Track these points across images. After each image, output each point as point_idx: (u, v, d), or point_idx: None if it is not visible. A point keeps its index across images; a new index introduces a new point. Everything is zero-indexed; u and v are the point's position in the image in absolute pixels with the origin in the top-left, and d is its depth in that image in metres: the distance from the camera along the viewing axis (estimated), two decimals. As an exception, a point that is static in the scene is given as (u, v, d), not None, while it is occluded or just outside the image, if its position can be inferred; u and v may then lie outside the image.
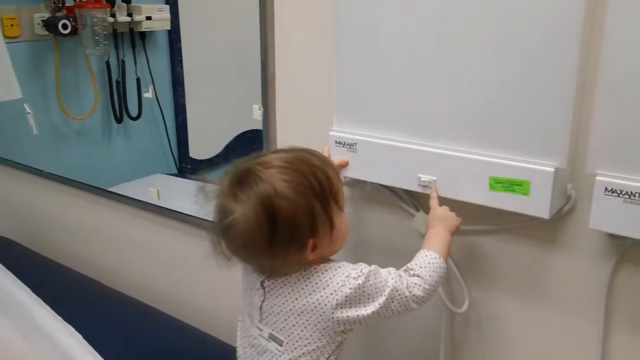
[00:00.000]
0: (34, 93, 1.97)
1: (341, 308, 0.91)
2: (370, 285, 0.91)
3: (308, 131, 1.23)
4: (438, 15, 0.95)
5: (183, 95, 2.00)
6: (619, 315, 0.97)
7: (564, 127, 0.89)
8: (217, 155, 1.88)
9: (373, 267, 0.94)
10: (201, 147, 2.04)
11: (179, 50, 1.99)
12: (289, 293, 0.94)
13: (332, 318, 0.92)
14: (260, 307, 0.97)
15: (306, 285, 0.93)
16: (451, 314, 1.14)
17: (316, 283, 0.92)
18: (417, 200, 1.12)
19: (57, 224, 2.01)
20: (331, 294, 0.91)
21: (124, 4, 1.91)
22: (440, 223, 1.00)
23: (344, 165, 1.11)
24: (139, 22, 1.93)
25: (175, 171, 2.10)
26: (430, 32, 0.96)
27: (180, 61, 1.99)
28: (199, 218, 1.53)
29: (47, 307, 1.51)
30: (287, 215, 0.88)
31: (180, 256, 1.64)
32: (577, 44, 0.85)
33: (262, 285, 0.97)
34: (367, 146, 1.07)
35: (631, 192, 0.83)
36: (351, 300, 0.91)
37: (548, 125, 0.90)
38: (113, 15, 1.90)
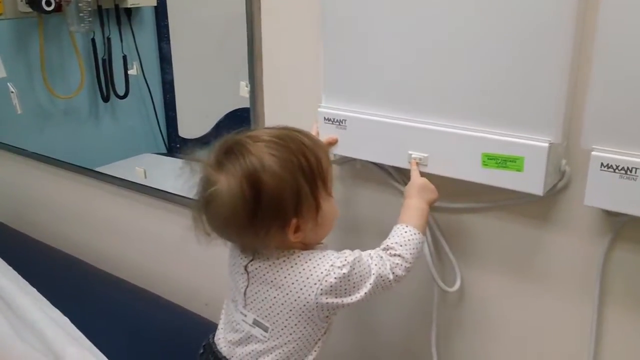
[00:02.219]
0: (18, 72, 1.93)
1: (326, 297, 0.89)
2: (356, 273, 0.89)
3: (296, 108, 1.20)
4: (429, -14, 0.92)
5: (171, 73, 1.96)
6: (614, 294, 0.95)
7: (558, 101, 0.86)
8: (207, 134, 1.85)
9: (357, 253, 0.92)
10: (190, 125, 2.01)
11: (166, 27, 1.95)
12: (273, 280, 0.92)
13: (317, 306, 0.90)
14: (244, 293, 0.95)
15: (290, 273, 0.91)
16: (443, 293, 1.12)
17: (300, 271, 0.90)
18: (407, 178, 1.09)
19: (43, 204, 1.99)
20: (315, 283, 0.89)
21: (109, -20, 1.86)
22: (418, 193, 0.98)
23: (334, 142, 1.08)
24: (125, -2, 1.89)
25: (164, 150, 2.07)
26: (422, 7, 0.93)
27: (168, 38, 1.95)
28: (187, 197, 1.50)
29: (33, 290, 1.50)
30: (272, 191, 0.86)
31: (169, 236, 1.61)
32: (572, 16, 0.82)
33: (245, 269, 0.95)
34: (357, 123, 1.04)
35: (627, 168, 0.81)
36: (336, 290, 0.89)
37: (542, 99, 0.87)
38: (98, -10, 1.85)
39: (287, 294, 0.90)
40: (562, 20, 0.82)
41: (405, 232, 0.94)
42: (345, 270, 0.88)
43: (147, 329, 1.42)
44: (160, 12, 1.96)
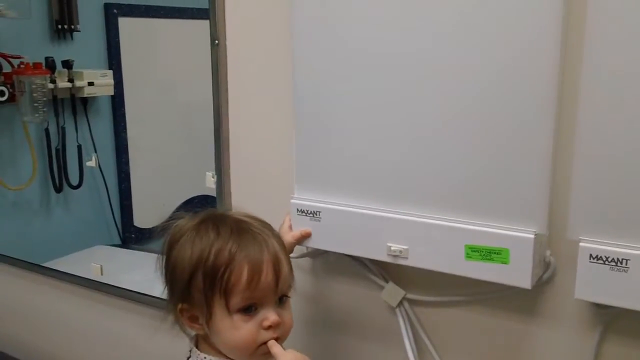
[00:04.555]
0: (-33, 162, 1.84)
1: None
2: None
3: (266, 199, 1.15)
4: (404, 76, 0.90)
5: (127, 162, 1.91)
6: (608, 390, 0.91)
7: (542, 190, 0.84)
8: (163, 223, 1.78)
9: None
10: (147, 215, 1.95)
11: (123, 115, 1.92)
12: None
13: None
14: None
15: None
16: (426, 393, 1.06)
17: None
18: (386, 271, 1.05)
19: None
20: None
21: (65, 70, 1.83)
22: None
23: (307, 236, 1.03)
24: (81, 88, 1.85)
25: (118, 241, 1.99)
26: (400, 97, 0.92)
27: (124, 127, 1.91)
28: (147, 295, 1.42)
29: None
30: (172, 261, 0.87)
31: (128, 338, 1.51)
32: (553, 105, 0.81)
33: None
34: (332, 214, 1.01)
35: (618, 259, 0.79)
36: None
37: (525, 188, 0.85)
38: (53, 81, 1.81)
39: None
40: (543, 111, 0.82)
41: None
42: None
43: None
44: (117, 101, 1.92)
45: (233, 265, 0.82)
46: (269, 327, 0.84)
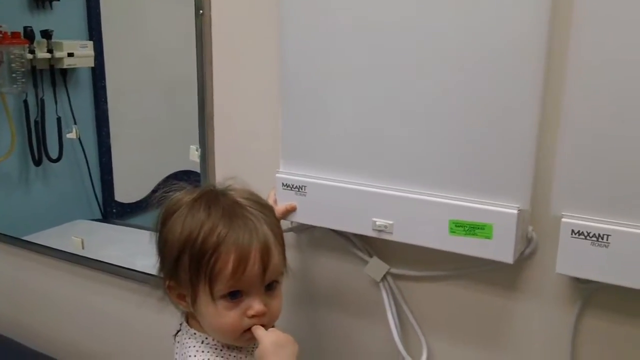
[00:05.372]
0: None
1: None
2: None
3: (251, 173, 1.14)
4: (392, 50, 0.90)
5: (108, 136, 1.89)
6: (586, 363, 0.93)
7: (526, 166, 0.85)
8: (145, 198, 1.77)
9: None
10: (128, 189, 1.93)
11: (104, 88, 1.89)
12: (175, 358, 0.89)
13: None
14: None
15: (180, 357, 0.88)
16: (408, 366, 1.08)
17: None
18: (370, 246, 1.06)
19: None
20: None
21: (44, 40, 1.79)
22: (274, 355, 0.81)
23: (292, 210, 1.03)
24: (60, 59, 1.82)
25: (99, 216, 1.97)
26: (384, 69, 0.91)
27: (105, 100, 1.88)
28: (128, 269, 1.42)
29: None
30: (164, 235, 0.87)
31: (109, 311, 1.50)
32: (539, 81, 0.82)
33: (174, 339, 0.91)
34: (318, 189, 1.01)
35: (599, 235, 0.80)
36: None
37: (510, 164, 0.86)
38: (32, 51, 1.77)
39: None
40: (528, 86, 0.82)
41: None
42: None
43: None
44: (98, 73, 1.89)
45: (220, 251, 0.81)
46: (254, 317, 0.83)
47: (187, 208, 0.85)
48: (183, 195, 0.88)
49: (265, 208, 0.88)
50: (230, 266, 0.80)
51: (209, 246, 0.81)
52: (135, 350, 1.48)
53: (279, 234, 0.87)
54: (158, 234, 0.88)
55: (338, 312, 1.14)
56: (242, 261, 0.81)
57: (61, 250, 1.56)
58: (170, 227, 0.85)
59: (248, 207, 0.86)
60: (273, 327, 0.86)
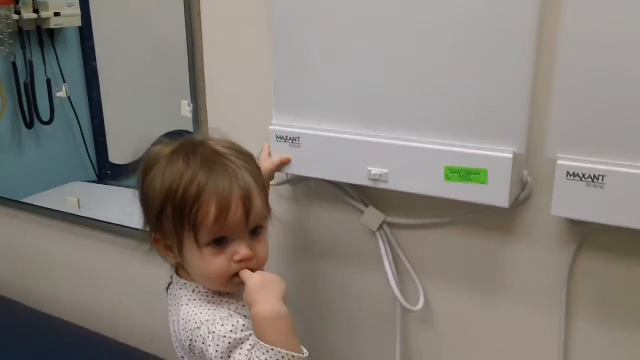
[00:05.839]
0: None
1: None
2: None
3: (244, 126, 1.14)
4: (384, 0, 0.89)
5: (99, 96, 1.87)
6: (581, 303, 0.94)
7: (521, 111, 0.85)
8: (139, 159, 1.76)
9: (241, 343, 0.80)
10: (122, 150, 1.92)
11: (92, 48, 1.86)
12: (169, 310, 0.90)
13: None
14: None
15: (174, 307, 0.88)
16: (406, 312, 1.09)
17: (180, 314, 0.85)
18: (366, 196, 1.06)
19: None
20: (187, 334, 0.83)
21: (30, 0, 1.75)
22: (261, 295, 0.80)
23: (286, 162, 1.03)
24: (47, 19, 1.78)
25: (94, 178, 1.97)
26: (378, 18, 0.90)
27: (94, 60, 1.86)
28: (126, 227, 1.42)
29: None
30: (145, 190, 0.87)
31: (107, 269, 1.51)
32: (534, 25, 0.81)
33: (167, 291, 0.92)
34: (312, 140, 1.00)
35: (594, 175, 0.80)
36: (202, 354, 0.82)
37: (504, 109, 0.85)
38: (18, 12, 1.74)
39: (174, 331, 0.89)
40: (523, 30, 0.81)
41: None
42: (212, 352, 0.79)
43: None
44: (86, 33, 1.86)
45: (201, 200, 0.80)
46: (241, 261, 0.83)
47: (166, 160, 0.85)
48: (161, 148, 0.88)
49: (245, 155, 0.87)
50: (212, 214, 0.80)
51: (190, 196, 0.81)
52: (133, 305, 1.50)
53: (260, 180, 0.86)
54: (140, 188, 0.88)
55: (335, 262, 1.15)
56: (223, 208, 0.81)
57: (57, 211, 1.56)
58: (151, 180, 0.85)
59: (227, 155, 0.85)
60: None
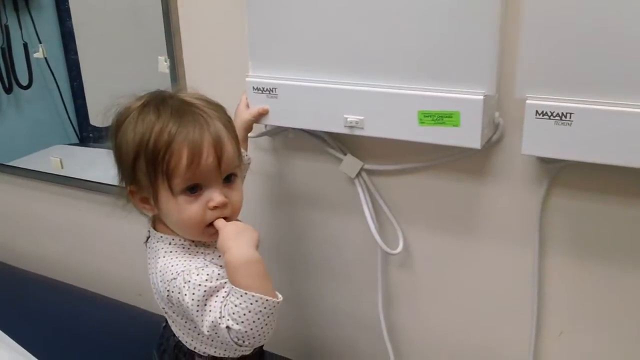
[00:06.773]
0: None
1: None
2: (198, 311, 0.81)
3: (221, 80, 1.15)
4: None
5: (76, 58, 1.85)
6: (553, 239, 0.97)
7: (490, 53, 0.86)
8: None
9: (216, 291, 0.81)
10: (102, 113, 1.91)
11: (67, 10, 1.84)
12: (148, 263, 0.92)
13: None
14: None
15: (152, 260, 0.90)
16: (386, 256, 1.12)
17: (158, 266, 0.87)
18: (343, 144, 1.08)
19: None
20: (164, 285, 0.85)
21: (0, -37, 1.73)
22: (234, 243, 0.81)
23: (264, 113, 1.04)
24: (19, -19, 1.76)
25: (76, 141, 1.96)
26: (347, -38, 0.91)
27: (70, 21, 1.84)
28: (109, 185, 1.43)
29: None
30: (117, 144, 0.88)
31: (93, 227, 1.53)
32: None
33: (145, 245, 0.94)
34: (288, 90, 1.01)
35: (562, 113, 0.82)
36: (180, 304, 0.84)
37: (474, 51, 0.87)
38: (-9, -23, 1.72)
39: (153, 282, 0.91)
40: (490, -30, 0.82)
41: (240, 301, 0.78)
42: (189, 301, 0.81)
43: (78, 326, 1.35)
44: (60, -5, 1.84)
45: (172, 147, 0.82)
46: (215, 208, 0.85)
47: (136, 113, 0.86)
48: (132, 102, 0.88)
49: (215, 105, 0.89)
50: (184, 160, 0.82)
51: (161, 145, 0.82)
52: (120, 261, 1.53)
53: (230, 128, 0.88)
54: (113, 143, 0.89)
55: (316, 210, 1.17)
56: (195, 154, 0.82)
57: (40, 172, 1.57)
58: (123, 134, 0.86)
59: (197, 105, 0.87)
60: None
